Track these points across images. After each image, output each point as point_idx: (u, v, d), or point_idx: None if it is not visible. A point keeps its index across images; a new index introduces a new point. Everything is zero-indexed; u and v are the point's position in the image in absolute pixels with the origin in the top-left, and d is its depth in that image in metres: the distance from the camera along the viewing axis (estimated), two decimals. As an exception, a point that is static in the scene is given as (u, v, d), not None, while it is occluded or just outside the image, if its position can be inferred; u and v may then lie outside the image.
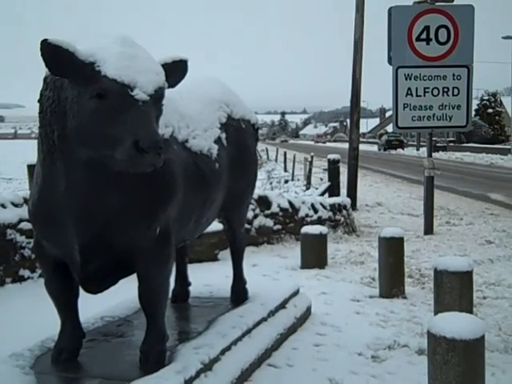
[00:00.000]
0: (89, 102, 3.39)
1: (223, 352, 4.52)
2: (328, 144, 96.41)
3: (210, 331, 4.81)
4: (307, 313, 6.28)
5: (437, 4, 11.49)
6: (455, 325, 3.83)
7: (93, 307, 5.02)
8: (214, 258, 9.16)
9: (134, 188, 3.75)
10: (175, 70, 3.85)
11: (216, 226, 7.13)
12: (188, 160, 4.38)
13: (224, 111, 5.17)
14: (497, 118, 62.96)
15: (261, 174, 20.71)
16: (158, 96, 3.55)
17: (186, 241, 4.98)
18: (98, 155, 3.47)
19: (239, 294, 5.76)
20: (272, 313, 5.62)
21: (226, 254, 7.81)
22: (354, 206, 14.24)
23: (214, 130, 4.92)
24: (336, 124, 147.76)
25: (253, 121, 5.65)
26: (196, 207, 4.54)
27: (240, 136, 5.28)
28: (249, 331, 5.05)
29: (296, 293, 6.37)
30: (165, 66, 3.74)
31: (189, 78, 4.04)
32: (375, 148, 65.67)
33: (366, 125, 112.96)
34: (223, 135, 5.02)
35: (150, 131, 3.35)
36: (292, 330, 5.75)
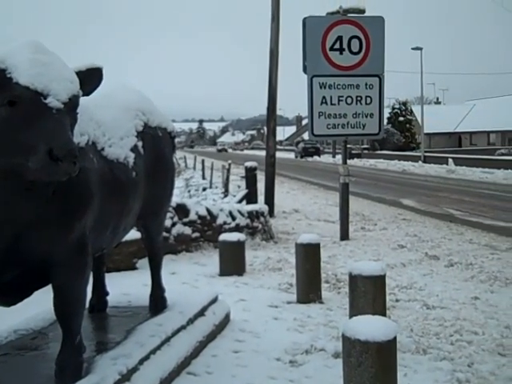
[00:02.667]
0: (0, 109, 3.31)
1: (142, 362, 4.48)
2: (246, 151, 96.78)
3: (129, 341, 4.77)
4: (226, 320, 6.31)
5: (349, 15, 11.84)
6: (369, 327, 3.93)
7: (6, 320, 4.88)
8: (133, 267, 9.06)
9: (49, 197, 3.68)
10: (90, 78, 3.81)
11: (134, 234, 7.06)
12: (104, 168, 4.33)
13: (140, 119, 5.14)
14: (408, 125, 64.98)
15: (179, 182, 20.65)
16: (72, 104, 3.51)
17: (103, 250, 4.91)
18: (10, 164, 3.37)
19: (158, 302, 5.73)
20: (191, 320, 5.62)
21: (144, 263, 7.73)
22: (271, 212, 14.39)
23: (131, 138, 4.89)
24: (253, 132, 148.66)
25: (169, 129, 5.65)
26: (113, 216, 4.49)
27: (157, 144, 5.27)
28: (168, 340, 5.04)
29: (215, 300, 6.39)
30: (79, 73, 3.70)
31: (104, 86, 4.00)
32: (292, 155, 66.58)
33: (283, 132, 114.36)
34: (140, 143, 4.99)
35: (65, 139, 3.30)
36: (211, 337, 5.77)
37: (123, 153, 4.67)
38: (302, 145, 66.47)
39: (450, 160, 38.03)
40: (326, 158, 58.36)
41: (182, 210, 10.51)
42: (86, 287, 4.15)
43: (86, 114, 4.11)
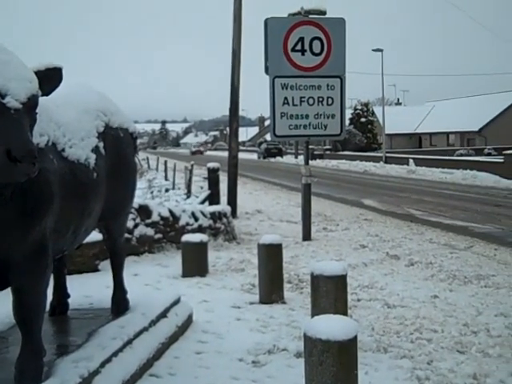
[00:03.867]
0: (-44, 109, 3.26)
1: (103, 364, 4.45)
2: (209, 152, 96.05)
3: (90, 343, 4.73)
4: (189, 321, 6.30)
5: (310, 16, 11.90)
6: (330, 327, 3.96)
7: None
8: (95, 269, 8.97)
9: (7, 199, 3.63)
10: (49, 78, 3.77)
11: (96, 235, 7.00)
12: (65, 169, 4.28)
13: (101, 120, 5.10)
14: (369, 126, 65.60)
15: (141, 183, 20.49)
16: (31, 104, 3.47)
17: (64, 252, 4.86)
18: (-33, 165, 3.32)
19: (120, 304, 5.69)
20: (153, 322, 5.60)
21: (106, 265, 7.68)
22: (234, 213, 14.39)
23: (92, 139, 4.85)
24: (216, 133, 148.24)
25: (131, 129, 5.61)
26: (74, 217, 4.45)
27: (118, 145, 5.23)
28: (130, 342, 5.00)
29: (177, 301, 6.37)
30: (38, 73, 3.66)
31: (64, 86, 3.96)
32: (255, 156, 66.71)
33: (246, 133, 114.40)
34: (101, 144, 4.95)
35: (23, 140, 3.26)
36: (174, 338, 5.76)
37: (84, 154, 4.62)
38: (264, 145, 66.60)
39: (411, 160, 38.48)
40: (288, 159, 58.56)
41: (144, 211, 10.45)
42: (46, 290, 4.11)
43: (45, 115, 4.07)
